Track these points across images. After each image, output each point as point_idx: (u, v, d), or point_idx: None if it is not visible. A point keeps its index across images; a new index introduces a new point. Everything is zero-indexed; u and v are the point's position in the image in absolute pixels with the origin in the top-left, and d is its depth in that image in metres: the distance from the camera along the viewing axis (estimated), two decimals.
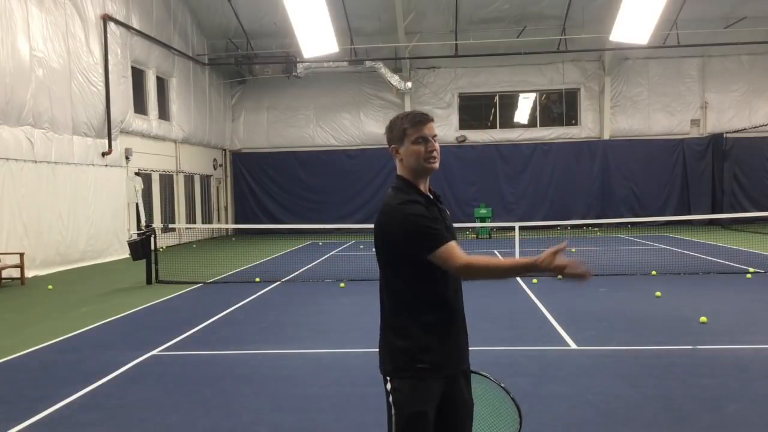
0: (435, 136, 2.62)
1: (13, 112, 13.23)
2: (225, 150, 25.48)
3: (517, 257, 2.29)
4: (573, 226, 23.45)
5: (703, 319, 7.58)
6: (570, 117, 24.99)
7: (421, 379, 2.51)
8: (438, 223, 2.51)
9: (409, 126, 2.60)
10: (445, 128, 24.58)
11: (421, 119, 2.60)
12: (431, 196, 2.66)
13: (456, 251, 2.43)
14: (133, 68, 18.32)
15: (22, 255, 12.57)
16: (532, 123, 25.35)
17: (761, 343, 6.66)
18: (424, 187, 2.66)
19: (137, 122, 18.50)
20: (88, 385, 5.64)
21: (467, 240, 20.63)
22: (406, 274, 2.52)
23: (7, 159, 13.01)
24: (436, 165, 2.64)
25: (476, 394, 2.77)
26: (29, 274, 13.11)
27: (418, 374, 2.51)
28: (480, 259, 2.43)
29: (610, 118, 24.29)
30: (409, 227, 2.46)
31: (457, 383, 2.62)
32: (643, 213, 23.04)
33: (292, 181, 25.00)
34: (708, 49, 22.78)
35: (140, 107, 18.97)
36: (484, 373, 2.88)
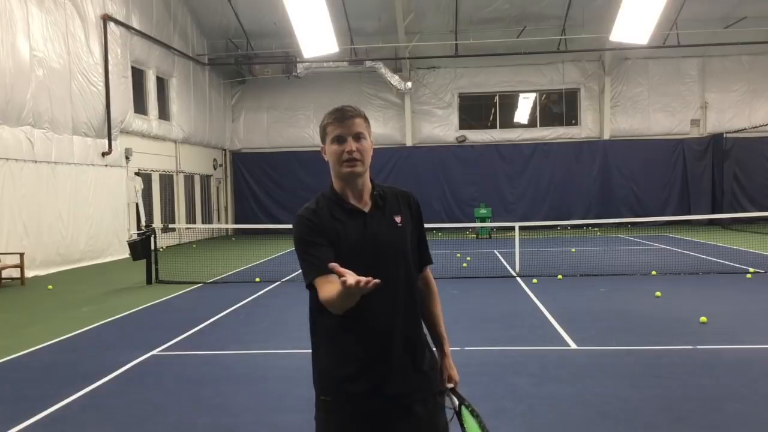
0: (360, 134, 2.22)
1: (13, 112, 13.23)
2: (225, 150, 25.48)
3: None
4: (573, 226, 23.43)
5: (703, 319, 7.58)
6: (570, 117, 24.99)
7: (327, 412, 2.21)
8: (315, 247, 2.15)
9: (329, 122, 2.26)
10: (445, 128, 24.60)
11: (340, 115, 2.23)
12: (359, 207, 2.25)
13: (320, 287, 2.08)
14: (133, 68, 18.32)
15: (22, 255, 12.57)
16: (532, 123, 25.34)
17: (761, 343, 6.66)
18: (355, 194, 2.27)
19: (137, 122, 18.50)
20: (88, 385, 5.64)
21: (467, 240, 20.63)
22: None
23: (7, 159, 13.01)
24: (357, 169, 2.22)
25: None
26: (29, 274, 13.11)
27: (322, 407, 2.24)
28: (329, 290, 2.05)
29: (610, 118, 24.29)
30: (297, 248, 2.22)
31: (391, 424, 2.19)
32: (643, 213, 23.02)
33: (292, 181, 24.96)
34: (708, 49, 22.77)
35: (140, 107, 18.97)
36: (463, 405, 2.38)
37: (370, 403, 2.18)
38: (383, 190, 2.34)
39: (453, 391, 2.42)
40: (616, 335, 7.13)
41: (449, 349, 2.47)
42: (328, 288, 2.03)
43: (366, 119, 2.28)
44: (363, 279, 1.75)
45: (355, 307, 1.97)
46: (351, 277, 1.77)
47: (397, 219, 2.29)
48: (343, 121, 2.22)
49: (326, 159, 2.30)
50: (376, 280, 1.76)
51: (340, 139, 2.22)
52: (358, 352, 2.17)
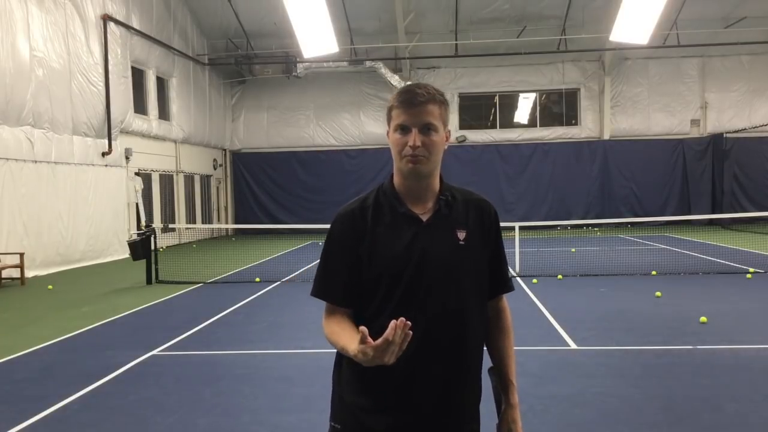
0: (430, 125, 1.81)
1: (13, 112, 13.23)
2: (225, 150, 25.48)
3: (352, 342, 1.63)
4: (573, 226, 23.44)
5: (703, 319, 7.58)
6: (570, 117, 24.98)
7: None
8: (335, 262, 1.86)
9: (395, 104, 1.84)
10: None
11: (407, 98, 1.81)
12: (415, 213, 1.85)
13: (325, 314, 1.89)
14: (133, 68, 18.31)
15: (22, 255, 12.57)
16: (532, 123, 25.34)
17: (761, 343, 6.66)
18: (415, 194, 1.86)
19: (137, 122, 18.50)
20: (88, 385, 5.64)
21: None
22: None
23: (7, 159, 13.01)
24: (419, 167, 1.81)
25: None
26: (29, 274, 13.11)
27: None
28: (330, 331, 1.84)
29: (610, 118, 24.29)
30: (323, 248, 1.93)
31: None
32: (643, 213, 23.04)
33: (292, 181, 24.99)
34: (708, 49, 22.77)
35: (140, 107, 18.96)
36: None
37: None
38: (453, 194, 1.91)
39: None
40: (616, 335, 7.12)
41: (517, 398, 2.04)
42: (333, 327, 1.81)
43: (442, 104, 1.86)
44: (380, 351, 1.49)
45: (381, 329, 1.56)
46: (372, 349, 1.51)
47: (460, 234, 1.86)
48: (410, 107, 1.80)
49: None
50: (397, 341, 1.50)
51: (403, 129, 1.81)
52: (380, 380, 1.80)
